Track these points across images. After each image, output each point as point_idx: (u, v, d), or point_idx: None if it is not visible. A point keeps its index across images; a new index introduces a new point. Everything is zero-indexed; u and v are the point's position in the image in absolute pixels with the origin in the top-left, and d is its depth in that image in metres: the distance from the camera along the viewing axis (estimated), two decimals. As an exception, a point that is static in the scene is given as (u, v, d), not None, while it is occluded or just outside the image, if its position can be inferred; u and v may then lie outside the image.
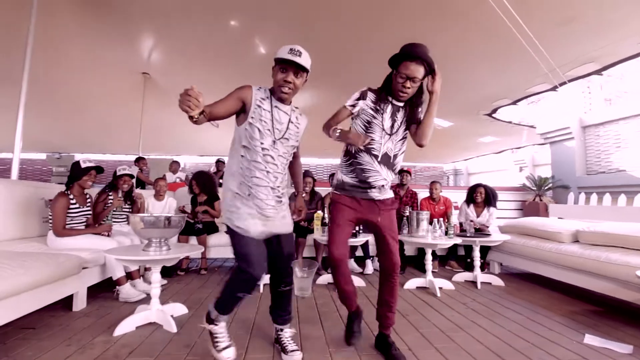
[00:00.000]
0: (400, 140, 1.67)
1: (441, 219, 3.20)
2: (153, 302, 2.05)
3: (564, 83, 4.07)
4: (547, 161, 6.62)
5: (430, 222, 3.13)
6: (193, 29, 4.53)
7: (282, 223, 1.63)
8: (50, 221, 2.45)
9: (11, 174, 3.14)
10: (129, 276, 2.63)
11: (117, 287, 2.51)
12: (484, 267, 3.84)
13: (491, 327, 2.13)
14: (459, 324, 2.19)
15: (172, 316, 2.06)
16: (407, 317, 2.30)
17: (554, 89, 4.41)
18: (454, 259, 4.02)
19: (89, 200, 2.72)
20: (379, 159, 1.64)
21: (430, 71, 1.57)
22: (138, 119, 6.79)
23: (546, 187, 5.70)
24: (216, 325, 1.57)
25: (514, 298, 2.80)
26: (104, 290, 2.67)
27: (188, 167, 11.11)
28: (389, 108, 1.65)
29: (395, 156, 1.68)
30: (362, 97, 1.68)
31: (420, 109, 1.67)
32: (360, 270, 3.66)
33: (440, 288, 3.00)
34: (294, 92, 1.55)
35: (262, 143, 1.51)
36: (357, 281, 3.16)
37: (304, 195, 1.98)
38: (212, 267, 3.79)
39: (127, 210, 3.13)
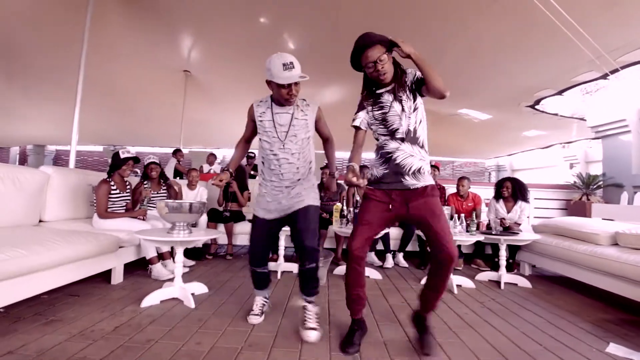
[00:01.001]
0: (414, 111, 1.64)
1: (462, 215, 3.09)
2: (176, 280, 2.27)
3: (616, 70, 3.67)
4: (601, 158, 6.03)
5: (458, 218, 3.05)
6: (227, 29, 4.76)
7: (296, 201, 1.77)
8: (95, 204, 2.78)
9: (69, 164, 3.60)
10: (161, 257, 2.90)
11: (149, 265, 2.79)
12: (514, 267, 3.65)
13: (504, 327, 2.06)
14: (469, 321, 2.14)
15: (192, 294, 2.26)
16: (417, 311, 2.28)
17: (604, 77, 3.99)
18: (481, 257, 3.86)
19: (128, 187, 3.03)
20: (404, 138, 1.63)
21: (390, 45, 1.58)
22: (180, 114, 7.30)
23: (595, 186, 5.22)
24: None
25: (538, 300, 2.65)
26: (139, 267, 2.97)
27: (227, 160, 11.69)
28: (387, 95, 1.66)
29: (415, 130, 1.64)
30: (360, 108, 1.73)
31: (408, 73, 1.66)
32: (380, 263, 3.67)
33: (459, 286, 2.93)
34: (297, 96, 1.72)
35: (272, 151, 1.76)
36: (374, 274, 3.18)
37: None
38: (238, 253, 4.02)
39: (163, 196, 3.42)
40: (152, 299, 2.16)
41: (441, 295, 1.68)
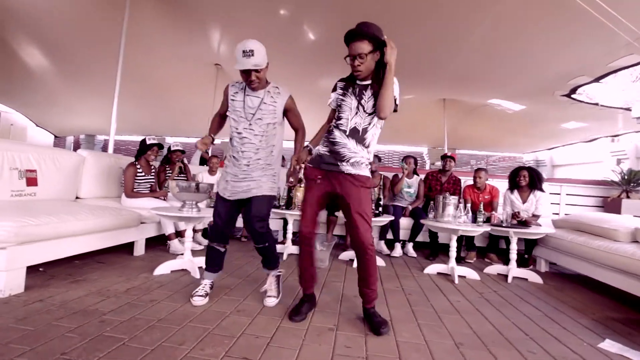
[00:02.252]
0: (370, 115, 1.71)
1: (468, 205, 3.03)
2: (186, 253, 2.50)
3: (660, 54, 3.31)
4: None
5: (464, 208, 3.00)
6: (250, 22, 4.95)
7: (252, 187, 1.87)
8: (123, 185, 3.11)
9: (109, 151, 4.01)
10: (179, 234, 3.18)
11: (168, 241, 3.08)
12: (529, 262, 3.51)
13: (494, 317, 2.05)
14: (458, 308, 2.15)
15: (200, 267, 2.48)
16: (409, 296, 2.33)
17: (646, 61, 3.61)
18: (495, 251, 3.75)
19: (153, 170, 3.34)
20: (347, 133, 1.72)
21: (379, 44, 1.62)
22: (211, 106, 7.70)
23: (637, 182, 4.77)
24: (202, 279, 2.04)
25: (544, 295, 2.57)
26: (160, 243, 3.28)
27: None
28: (355, 89, 1.73)
29: (365, 130, 1.71)
30: (334, 89, 1.83)
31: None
32: (389, 252, 3.70)
33: (462, 277, 2.90)
34: (261, 82, 1.82)
35: (237, 129, 1.87)
36: (378, 261, 3.23)
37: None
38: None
39: (183, 179, 3.71)
40: (163, 269, 2.42)
41: (373, 286, 1.75)
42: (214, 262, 2.03)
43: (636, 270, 2.28)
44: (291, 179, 1.92)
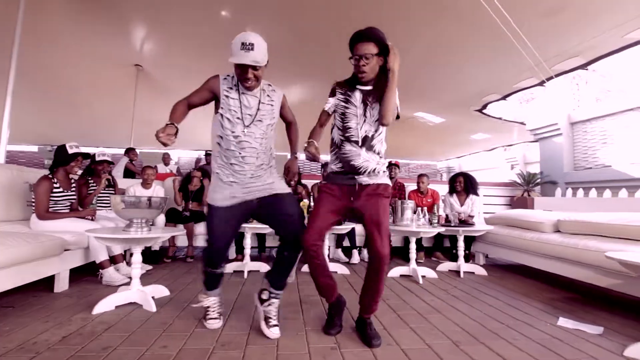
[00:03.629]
0: (376, 120, 1.67)
1: (424, 209, 3.23)
2: (134, 283, 2.07)
3: (551, 78, 4.12)
4: (538, 159, 6.69)
5: (421, 211, 3.17)
6: (184, 20, 4.53)
7: (269, 186, 1.66)
8: (34, 204, 2.45)
9: (-2, 161, 3.15)
10: (113, 260, 2.64)
11: (100, 270, 2.52)
12: (469, 258, 3.88)
13: (468, 311, 2.17)
14: (437, 307, 2.23)
15: (153, 297, 2.07)
16: (387, 301, 2.33)
17: (541, 83, 4.46)
18: (440, 250, 4.06)
19: (73, 185, 2.72)
20: (359, 144, 1.64)
21: (384, 49, 1.61)
22: (130, 112, 6.78)
23: (534, 183, 5.77)
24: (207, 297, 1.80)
25: (494, 286, 2.85)
26: (87, 274, 2.68)
27: (183, 162, 11.10)
28: (358, 94, 1.67)
29: (372, 137, 1.66)
30: (332, 93, 1.74)
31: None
32: (347, 260, 3.69)
33: (423, 276, 3.04)
34: (258, 81, 1.60)
35: (233, 132, 1.60)
36: (342, 269, 3.20)
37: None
38: (199, 255, 3.80)
39: (110, 194, 3.13)
40: (105, 305, 1.95)
41: (378, 298, 1.69)
42: (217, 283, 1.82)
43: (562, 255, 2.69)
44: (289, 174, 1.74)
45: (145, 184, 3.62)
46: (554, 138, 5.65)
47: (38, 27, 4.33)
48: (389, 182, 1.72)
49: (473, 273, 3.30)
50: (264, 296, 1.75)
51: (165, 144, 1.37)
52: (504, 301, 2.42)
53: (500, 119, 6.37)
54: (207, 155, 5.75)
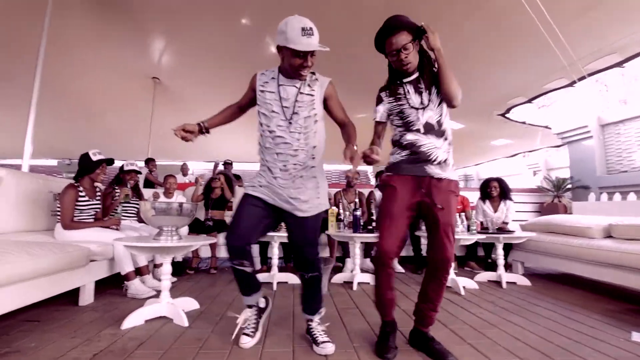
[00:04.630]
0: (438, 105, 1.52)
1: (462, 215, 3.04)
2: (163, 295, 1.94)
3: (583, 78, 3.94)
4: (562, 164, 6.44)
5: (459, 217, 2.99)
6: (200, 32, 4.54)
7: (297, 203, 1.49)
8: (59, 214, 2.38)
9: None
10: (138, 272, 2.52)
11: (125, 282, 2.40)
12: (506, 267, 3.64)
13: (525, 324, 1.97)
14: (489, 320, 2.03)
15: (183, 310, 1.93)
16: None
17: (571, 84, 4.28)
18: (474, 259, 3.84)
19: (98, 193, 2.64)
20: (422, 132, 1.50)
21: (418, 32, 1.48)
22: (148, 124, 6.82)
23: (565, 188, 5.51)
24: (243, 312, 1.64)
25: (544, 297, 2.62)
26: (111, 286, 2.57)
27: (198, 172, 11.11)
28: (407, 88, 1.55)
29: (439, 122, 1.51)
30: (379, 102, 1.63)
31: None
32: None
33: (463, 287, 2.83)
34: (311, 69, 1.48)
35: (269, 127, 1.50)
36: (372, 278, 3.01)
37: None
38: (222, 267, 3.67)
39: (136, 204, 3.04)
40: (134, 319, 1.81)
41: (438, 307, 1.54)
42: (249, 283, 1.60)
43: (618, 262, 2.46)
44: (352, 167, 1.40)
45: (168, 193, 3.55)
46: (584, 141, 5.41)
47: (60, 44, 4.39)
48: (457, 177, 1.57)
49: (515, 283, 3.07)
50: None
51: (187, 138, 1.50)
52: (560, 313, 2.20)
53: (523, 123, 6.17)
54: (226, 164, 5.69)
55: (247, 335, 1.58)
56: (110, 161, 2.62)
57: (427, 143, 1.49)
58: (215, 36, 4.62)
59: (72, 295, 2.16)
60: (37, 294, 1.72)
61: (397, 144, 1.58)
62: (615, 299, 2.58)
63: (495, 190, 3.67)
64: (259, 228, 1.54)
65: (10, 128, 5.38)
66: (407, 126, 1.53)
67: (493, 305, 2.37)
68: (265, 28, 4.29)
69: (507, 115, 5.79)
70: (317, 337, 1.55)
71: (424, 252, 3.75)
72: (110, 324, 1.83)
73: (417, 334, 1.58)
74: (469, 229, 3.02)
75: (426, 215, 1.50)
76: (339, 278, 3.05)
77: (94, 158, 2.53)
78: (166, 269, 1.96)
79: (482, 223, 3.51)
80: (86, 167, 2.51)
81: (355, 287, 2.82)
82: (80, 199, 2.44)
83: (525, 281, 3.05)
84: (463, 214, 3.07)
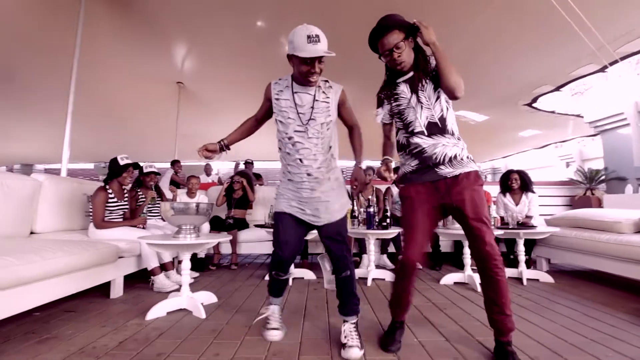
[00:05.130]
0: (436, 101, 1.51)
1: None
2: (183, 289, 2.08)
3: (615, 62, 3.69)
4: (598, 155, 6.04)
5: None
6: (219, 37, 4.69)
7: (323, 209, 1.56)
8: (91, 214, 2.59)
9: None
10: (163, 267, 2.70)
11: (151, 277, 2.58)
12: (530, 264, 3.52)
13: (541, 322, 1.92)
14: (503, 318, 1.99)
15: (202, 304, 2.06)
16: (445, 311, 2.14)
17: (602, 69, 4.01)
18: (495, 255, 3.73)
19: (126, 195, 2.85)
20: (426, 133, 1.50)
21: (410, 30, 1.47)
22: (174, 127, 7.14)
23: (598, 180, 5.20)
24: (268, 307, 1.74)
25: (566, 294, 2.53)
26: (140, 281, 2.76)
27: (222, 173, 11.49)
28: (403, 86, 1.55)
29: (441, 118, 1.50)
30: (380, 104, 1.65)
31: (432, 60, 1.51)
32: (393, 266, 3.51)
33: (480, 283, 2.78)
34: (320, 75, 1.52)
35: (286, 134, 1.56)
36: (390, 276, 3.03)
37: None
38: (243, 263, 3.82)
39: (158, 205, 3.24)
40: (157, 311, 1.96)
41: (508, 310, 1.46)
42: (281, 290, 1.79)
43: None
44: (355, 185, 1.59)
45: (190, 193, 3.73)
46: (620, 129, 5.07)
47: (91, 53, 4.69)
48: (477, 168, 1.54)
49: (537, 280, 2.97)
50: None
51: (207, 157, 1.62)
52: (582, 312, 2.12)
53: (552, 112, 5.85)
54: (247, 164, 5.86)
55: (276, 329, 1.66)
56: (136, 165, 2.82)
57: (433, 145, 1.49)
58: (231, 40, 4.76)
59: (104, 289, 2.36)
60: (72, 287, 1.91)
61: (403, 149, 1.58)
62: (643, 297, 2.44)
63: (515, 183, 3.54)
64: (300, 243, 1.66)
65: (51, 136, 5.85)
66: (409, 127, 1.53)
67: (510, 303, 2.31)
68: (281, 29, 4.36)
69: (533, 105, 5.52)
70: (345, 340, 1.53)
71: (442, 249, 3.71)
72: (137, 315, 1.99)
73: (497, 346, 1.49)
74: (486, 225, 2.94)
75: (454, 214, 1.52)
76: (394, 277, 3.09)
77: (122, 162, 2.72)
78: (185, 264, 2.09)
79: (502, 218, 3.41)
80: (114, 170, 2.71)
81: (369, 282, 2.85)
82: (109, 200, 2.64)
83: (548, 278, 2.94)
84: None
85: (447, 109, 1.53)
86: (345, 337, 1.54)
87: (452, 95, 1.46)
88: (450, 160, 1.48)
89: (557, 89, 4.78)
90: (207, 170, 6.32)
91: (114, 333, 1.70)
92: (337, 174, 1.65)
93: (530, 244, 3.51)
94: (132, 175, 2.80)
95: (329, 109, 1.57)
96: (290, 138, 1.55)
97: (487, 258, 1.42)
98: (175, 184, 5.39)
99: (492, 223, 2.97)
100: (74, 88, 3.71)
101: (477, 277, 2.76)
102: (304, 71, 1.46)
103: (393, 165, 1.58)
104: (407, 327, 1.82)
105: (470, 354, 1.51)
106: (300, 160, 1.56)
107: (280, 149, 1.64)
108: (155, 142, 8.56)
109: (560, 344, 1.62)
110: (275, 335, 1.65)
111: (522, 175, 3.60)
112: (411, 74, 1.55)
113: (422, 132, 1.50)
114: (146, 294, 2.47)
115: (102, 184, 2.71)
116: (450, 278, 2.90)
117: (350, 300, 1.63)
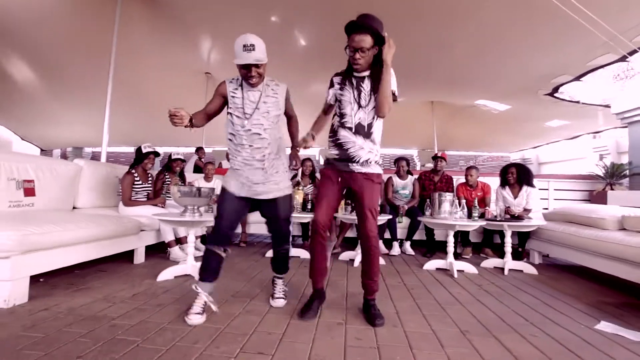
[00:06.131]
0: (372, 109, 1.75)
1: (463, 201, 3.12)
2: (188, 259, 2.51)
3: (634, 51, 3.51)
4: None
5: (459, 204, 3.09)
6: (240, 29, 5.01)
7: (271, 189, 1.83)
8: (120, 194, 3.10)
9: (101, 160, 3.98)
10: (179, 241, 3.18)
11: (168, 248, 3.07)
12: (523, 255, 3.61)
13: (494, 305, 2.11)
14: (461, 300, 2.21)
15: (203, 271, 2.48)
16: (411, 290, 2.39)
17: (622, 59, 3.82)
18: (490, 246, 3.85)
19: (150, 178, 3.33)
20: (353, 130, 1.76)
21: (379, 40, 1.66)
22: (202, 115, 7.68)
23: (621, 175, 4.97)
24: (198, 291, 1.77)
25: (540, 285, 2.66)
26: (159, 252, 3.26)
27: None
28: (353, 81, 1.77)
29: (370, 125, 1.76)
30: (331, 85, 1.87)
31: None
32: (387, 251, 3.75)
33: (460, 271, 2.97)
34: (261, 77, 1.77)
35: (242, 127, 1.77)
36: (380, 260, 3.28)
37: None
38: (252, 241, 4.26)
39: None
40: (166, 274, 2.42)
41: (375, 277, 1.82)
42: (211, 269, 1.81)
43: (622, 255, 2.38)
44: (294, 162, 1.94)
45: (207, 178, 4.18)
46: (648, 122, 4.79)
47: (126, 45, 5.23)
48: (380, 171, 1.85)
49: (521, 271, 3.09)
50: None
51: (172, 116, 1.60)
52: (541, 299, 2.27)
53: (578, 102, 5.58)
54: (198, 150, 6.37)
55: (198, 314, 1.68)
56: (156, 153, 3.28)
57: (353, 143, 1.76)
58: (253, 31, 5.06)
59: (129, 256, 2.87)
60: (102, 251, 2.40)
61: (332, 136, 1.84)
62: (617, 292, 2.51)
63: (512, 177, 3.60)
64: (239, 220, 1.91)
65: (93, 122, 6.57)
66: (342, 118, 1.79)
67: (478, 288, 2.51)
68: (293, 23, 4.59)
69: (555, 94, 5.30)
70: (274, 292, 2.03)
71: (437, 238, 3.88)
72: (151, 277, 2.45)
73: (364, 302, 1.87)
74: (470, 215, 3.09)
75: (352, 198, 1.85)
76: (345, 255, 3.40)
77: (144, 150, 3.19)
78: (190, 238, 2.51)
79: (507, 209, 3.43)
80: (138, 157, 3.19)
81: (356, 263, 3.14)
82: (135, 183, 3.13)
83: (532, 270, 3.05)
84: (459, 199, 3.14)
85: (378, 121, 1.79)
86: (275, 289, 2.02)
87: (377, 112, 1.73)
88: (362, 162, 1.78)
89: (577, 78, 4.58)
90: (228, 156, 6.79)
91: (130, 288, 2.17)
92: (283, 160, 1.92)
93: (523, 237, 3.59)
94: (152, 161, 3.26)
95: (278, 102, 1.84)
96: (247, 130, 1.76)
97: (368, 237, 1.76)
98: (199, 169, 5.93)
99: (477, 213, 3.11)
100: (111, 80, 4.25)
101: (457, 265, 2.96)
102: (243, 75, 1.72)
103: (312, 142, 1.75)
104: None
105: (408, 324, 1.77)
106: (257, 148, 1.78)
107: (230, 140, 1.82)
108: (185, 129, 9.22)
109: (497, 323, 1.82)
110: (195, 319, 1.66)
111: (520, 169, 3.64)
112: (366, 74, 1.77)
113: (350, 129, 1.76)
114: (163, 262, 2.95)
115: (130, 169, 3.21)
116: (433, 264, 3.11)
117: (286, 263, 2.07)
